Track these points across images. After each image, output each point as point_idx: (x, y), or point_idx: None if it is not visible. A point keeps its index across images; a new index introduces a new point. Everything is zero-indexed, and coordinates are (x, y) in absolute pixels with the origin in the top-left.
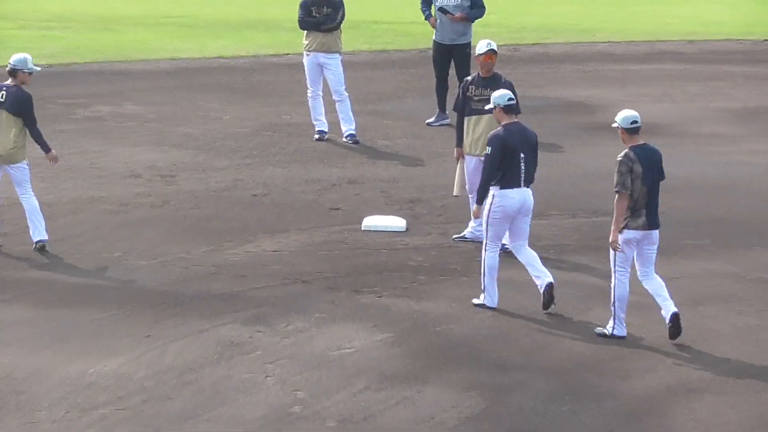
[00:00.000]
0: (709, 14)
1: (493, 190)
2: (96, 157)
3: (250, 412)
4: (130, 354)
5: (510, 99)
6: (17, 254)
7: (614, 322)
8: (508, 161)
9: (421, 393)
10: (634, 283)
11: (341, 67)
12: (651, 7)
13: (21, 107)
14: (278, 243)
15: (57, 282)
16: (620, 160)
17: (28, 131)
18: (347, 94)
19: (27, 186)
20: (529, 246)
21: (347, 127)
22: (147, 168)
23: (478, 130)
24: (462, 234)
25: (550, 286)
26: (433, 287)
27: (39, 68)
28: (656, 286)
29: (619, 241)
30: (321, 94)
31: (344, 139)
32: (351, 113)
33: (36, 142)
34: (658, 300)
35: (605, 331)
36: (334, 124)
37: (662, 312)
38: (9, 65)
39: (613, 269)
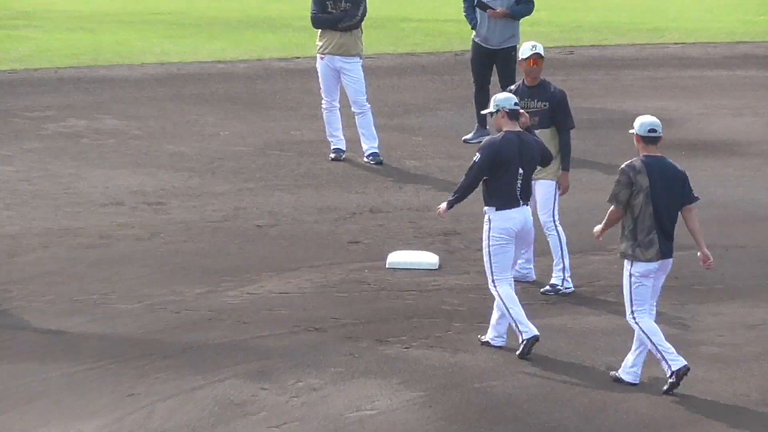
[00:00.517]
0: None
1: (488, 213)
2: (70, 180)
3: None
4: (110, 416)
5: (516, 104)
6: None
7: (667, 362)
8: (503, 176)
9: None
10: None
11: (362, 74)
12: (732, 0)
13: None
14: (287, 283)
15: (24, 330)
16: (621, 169)
17: None
18: (369, 106)
19: None
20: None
21: (369, 145)
22: (131, 194)
23: None
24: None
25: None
26: (470, 336)
27: None
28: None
29: (636, 275)
30: (338, 105)
31: (365, 159)
32: (373, 128)
33: None
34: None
35: (670, 379)
36: (353, 141)
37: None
38: None
39: (629, 309)
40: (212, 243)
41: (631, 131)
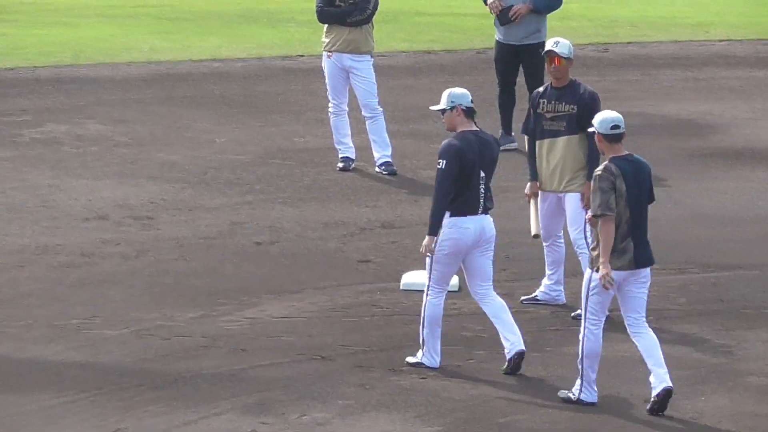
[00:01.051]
0: None
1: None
2: (49, 192)
3: None
4: None
5: (472, 101)
6: None
7: (581, 384)
8: (464, 180)
9: None
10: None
11: (373, 73)
12: None
13: None
14: (289, 307)
15: None
16: (600, 175)
17: None
18: (381, 109)
19: None
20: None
21: (381, 153)
22: (116, 207)
23: (554, 157)
24: (533, 295)
25: (520, 355)
26: (494, 365)
27: None
28: (649, 343)
29: (593, 281)
30: (347, 109)
31: (377, 169)
32: (386, 134)
33: None
34: (649, 363)
35: (570, 395)
36: (363, 148)
37: (651, 378)
38: None
39: (583, 317)
40: (206, 262)
41: (590, 130)
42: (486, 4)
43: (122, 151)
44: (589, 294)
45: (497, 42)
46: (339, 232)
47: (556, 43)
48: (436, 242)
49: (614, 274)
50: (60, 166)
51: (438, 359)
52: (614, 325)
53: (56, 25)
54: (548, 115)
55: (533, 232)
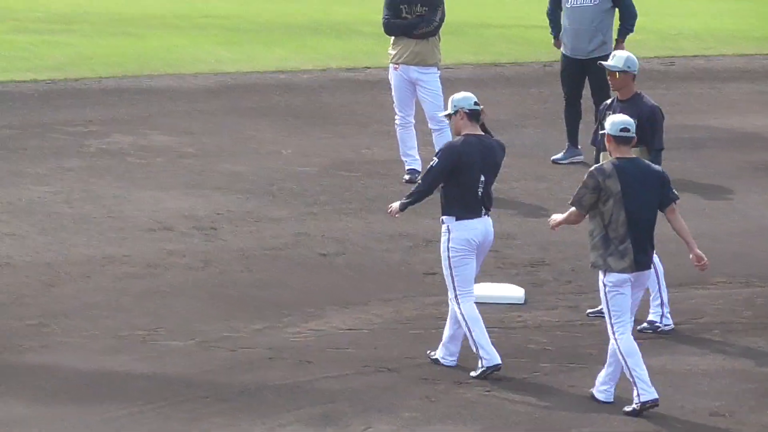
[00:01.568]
0: None
1: (447, 223)
2: (114, 203)
3: None
4: None
5: (477, 103)
6: (12, 331)
7: (638, 389)
8: (465, 183)
9: None
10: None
11: (440, 86)
12: None
13: None
14: (355, 319)
15: (62, 368)
16: (590, 172)
17: None
18: (447, 122)
19: None
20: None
21: None
22: (181, 218)
23: None
24: (599, 308)
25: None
26: (560, 378)
27: None
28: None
29: (609, 284)
30: (413, 121)
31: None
32: None
33: None
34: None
35: (634, 406)
36: (429, 161)
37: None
38: None
39: (610, 325)
40: (271, 273)
41: (601, 132)
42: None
43: (188, 162)
44: (608, 298)
45: (563, 56)
46: (405, 244)
47: (612, 56)
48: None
49: (621, 276)
50: (126, 176)
51: (496, 355)
52: (679, 338)
53: (122, 36)
54: None
55: None
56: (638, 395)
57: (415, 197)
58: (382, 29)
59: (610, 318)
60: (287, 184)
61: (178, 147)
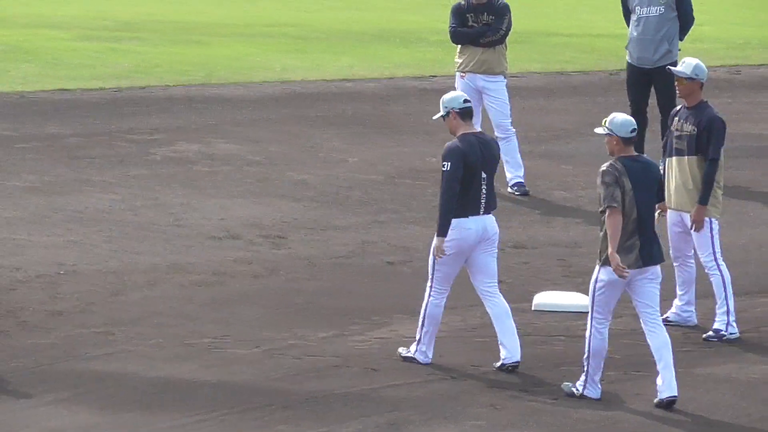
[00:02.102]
0: None
1: None
2: (180, 211)
3: None
4: None
5: (466, 101)
6: (78, 339)
7: (585, 380)
8: (466, 181)
9: None
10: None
11: (506, 94)
12: None
13: None
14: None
15: (129, 376)
16: (604, 170)
17: None
18: (514, 130)
19: None
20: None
21: (513, 174)
22: (247, 226)
23: (675, 176)
24: (664, 316)
25: (513, 367)
26: (625, 386)
27: None
28: (661, 344)
29: (601, 282)
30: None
31: (509, 190)
32: (518, 155)
33: None
34: (659, 365)
35: (574, 389)
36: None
37: (657, 380)
38: None
39: (590, 316)
40: (338, 281)
41: (601, 131)
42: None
43: (254, 170)
44: (596, 293)
45: (629, 65)
46: None
47: (681, 62)
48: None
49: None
50: (192, 184)
51: (430, 355)
52: (745, 346)
53: (189, 44)
54: (676, 133)
55: None
56: (584, 387)
57: (445, 214)
58: (449, 38)
59: (592, 311)
60: (353, 193)
61: (245, 155)
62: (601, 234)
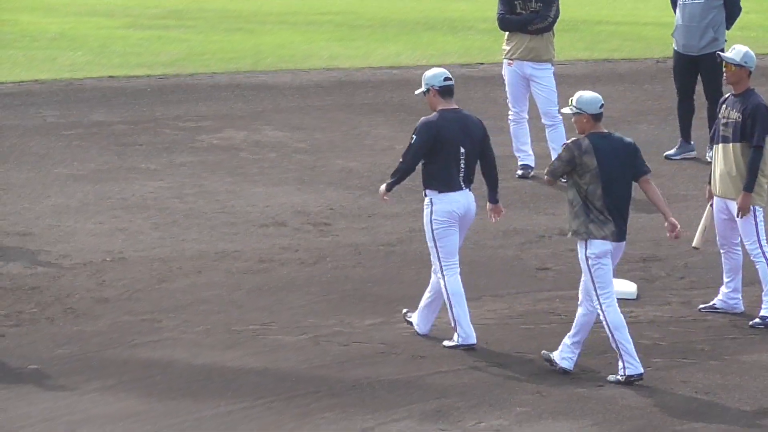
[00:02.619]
0: None
1: (430, 196)
2: (227, 198)
3: None
4: None
5: (447, 78)
6: (125, 325)
7: (623, 361)
8: (446, 158)
9: None
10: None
11: (553, 82)
12: None
13: None
14: (472, 315)
15: (176, 363)
16: (567, 146)
17: None
18: (560, 118)
19: None
20: None
21: None
22: (294, 214)
23: (721, 163)
24: (711, 303)
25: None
26: (672, 373)
27: None
28: (588, 321)
29: (592, 257)
30: (527, 116)
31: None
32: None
33: None
34: (575, 337)
35: (619, 377)
36: (543, 156)
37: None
38: None
39: (595, 296)
40: (385, 269)
41: (569, 111)
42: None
43: (300, 157)
44: (593, 269)
45: (675, 52)
46: (517, 239)
47: (732, 49)
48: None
49: (604, 244)
50: (238, 172)
51: (472, 334)
52: None
53: (236, 32)
54: (722, 120)
55: (694, 243)
56: (624, 368)
57: (398, 175)
58: (497, 25)
59: (596, 290)
60: None
61: (291, 142)
62: (572, 210)
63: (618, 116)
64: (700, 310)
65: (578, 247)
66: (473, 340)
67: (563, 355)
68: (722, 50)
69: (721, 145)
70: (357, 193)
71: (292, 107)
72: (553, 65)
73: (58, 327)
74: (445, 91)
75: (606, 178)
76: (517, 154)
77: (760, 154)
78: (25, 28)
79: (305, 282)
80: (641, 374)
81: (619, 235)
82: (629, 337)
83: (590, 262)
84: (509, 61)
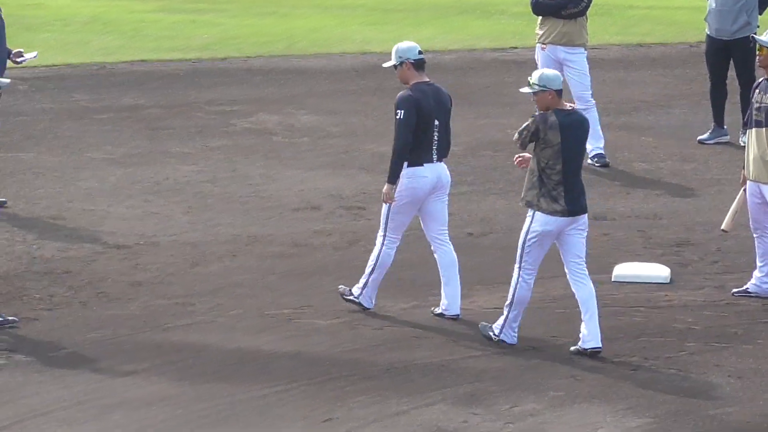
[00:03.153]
0: None
1: None
2: (260, 182)
3: None
4: None
5: (420, 52)
6: (158, 309)
7: (503, 326)
8: (420, 130)
9: None
10: None
11: (586, 66)
12: None
13: None
14: (501, 298)
15: (209, 347)
16: (534, 118)
17: None
18: (594, 102)
19: None
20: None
21: (593, 145)
22: (327, 198)
23: (754, 147)
24: (744, 287)
25: (452, 318)
26: (705, 357)
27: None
28: (586, 294)
29: (533, 233)
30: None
31: (589, 161)
32: (599, 127)
33: None
34: (584, 315)
35: (491, 333)
36: None
37: (582, 329)
38: None
39: (518, 265)
40: (418, 253)
41: (528, 90)
42: None
43: (333, 141)
44: (527, 243)
45: (708, 36)
46: None
47: (766, 33)
48: (394, 191)
49: (551, 220)
50: (271, 156)
51: (374, 302)
52: None
53: (269, 16)
54: (756, 105)
55: (723, 225)
56: (501, 332)
57: (397, 159)
58: (530, 9)
59: (521, 263)
60: None
61: (325, 127)
62: (531, 181)
63: (651, 100)
64: (733, 294)
65: (527, 216)
66: (371, 306)
67: (583, 338)
68: (755, 34)
69: (754, 129)
70: None
71: (325, 91)
72: (586, 50)
73: (91, 311)
74: (419, 65)
75: (567, 155)
76: None
77: None
78: (57, 12)
79: (339, 266)
80: (515, 345)
81: (573, 211)
82: (521, 314)
83: (529, 235)
84: (542, 46)
